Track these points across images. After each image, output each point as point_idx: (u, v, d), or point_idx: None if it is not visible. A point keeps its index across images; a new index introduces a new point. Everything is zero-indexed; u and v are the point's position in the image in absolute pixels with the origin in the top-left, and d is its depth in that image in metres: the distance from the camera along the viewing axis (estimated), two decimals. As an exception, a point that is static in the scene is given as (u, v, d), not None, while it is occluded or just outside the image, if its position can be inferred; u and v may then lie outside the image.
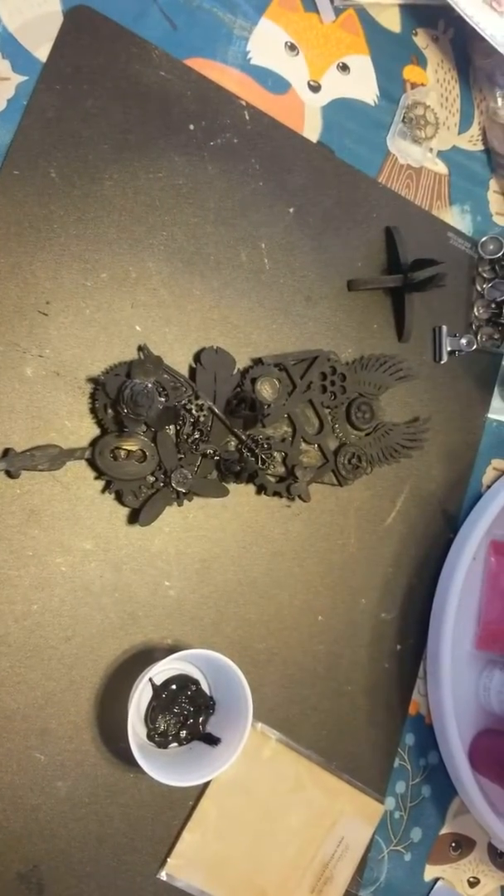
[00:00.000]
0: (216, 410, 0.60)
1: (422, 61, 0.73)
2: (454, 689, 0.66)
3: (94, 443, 0.57)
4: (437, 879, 0.69)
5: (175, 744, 0.58)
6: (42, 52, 0.57)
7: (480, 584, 0.72)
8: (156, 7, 0.61)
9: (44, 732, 0.55)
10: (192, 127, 0.62)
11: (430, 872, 0.69)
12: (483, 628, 0.71)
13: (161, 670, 0.58)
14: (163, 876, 0.58)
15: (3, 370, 0.55)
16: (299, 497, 0.63)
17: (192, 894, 0.58)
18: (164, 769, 0.54)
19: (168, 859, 0.58)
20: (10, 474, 0.54)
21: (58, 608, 0.56)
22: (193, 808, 0.59)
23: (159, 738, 0.58)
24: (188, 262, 0.61)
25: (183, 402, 0.59)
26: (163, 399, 0.58)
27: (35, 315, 0.56)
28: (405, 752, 0.68)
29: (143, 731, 0.58)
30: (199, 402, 0.60)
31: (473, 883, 0.71)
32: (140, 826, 0.57)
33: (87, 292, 0.58)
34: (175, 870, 0.58)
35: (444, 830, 0.70)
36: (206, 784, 0.59)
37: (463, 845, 0.71)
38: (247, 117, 0.64)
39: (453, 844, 0.70)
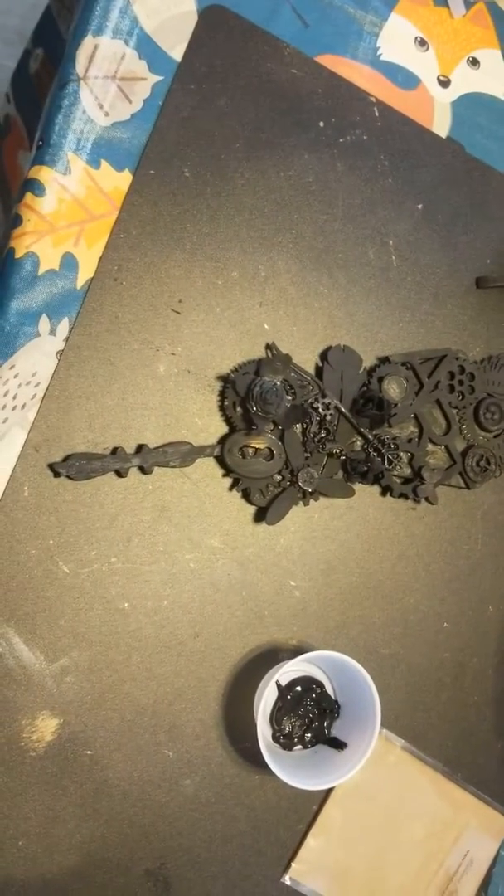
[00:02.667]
0: (343, 409, 0.59)
1: (552, 53, 0.71)
2: None
3: (222, 440, 0.57)
4: None
5: (300, 746, 0.58)
6: (177, 52, 0.58)
7: None
8: (288, 5, 0.61)
9: (172, 729, 0.55)
10: (322, 124, 0.61)
11: None
12: None
13: (286, 670, 0.57)
14: (286, 880, 0.57)
15: (137, 367, 0.55)
16: (426, 499, 0.62)
17: (314, 901, 0.57)
18: (291, 771, 0.53)
19: (292, 864, 0.57)
20: (143, 470, 0.55)
21: (187, 604, 0.56)
22: (318, 812, 0.58)
23: (284, 740, 0.57)
24: (316, 260, 0.61)
25: (310, 400, 0.59)
26: (290, 398, 0.58)
27: (168, 313, 0.56)
28: (532, 767, 0.66)
29: (268, 733, 0.57)
30: (326, 400, 0.59)
31: None
32: (265, 828, 0.57)
33: (217, 291, 0.58)
34: (299, 875, 0.57)
35: None
36: (330, 788, 0.58)
37: None
38: (376, 114, 0.63)
39: None
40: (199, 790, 0.55)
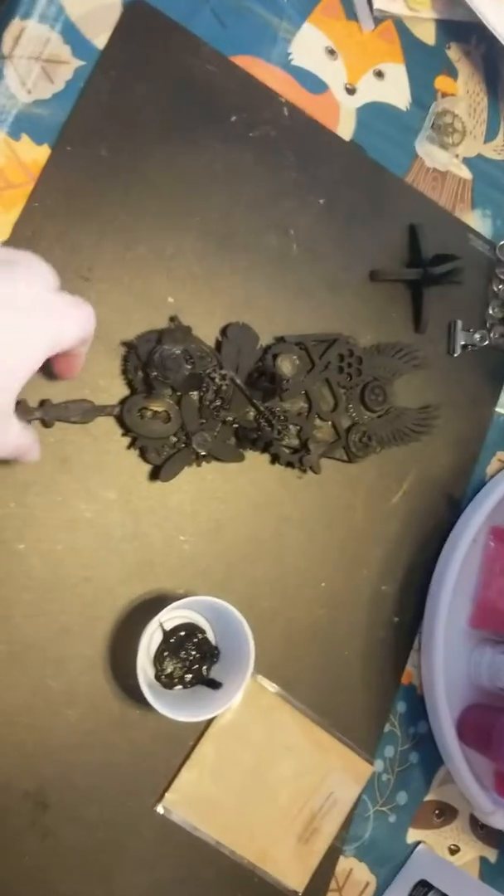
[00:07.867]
0: (238, 381, 0.65)
1: (453, 73, 0.77)
2: (446, 663, 0.69)
3: (123, 401, 0.61)
4: (418, 843, 0.72)
5: (180, 686, 0.62)
6: (100, 41, 0.62)
7: (478, 567, 0.75)
8: (208, 7, 0.66)
9: (59, 663, 0.59)
10: (233, 118, 0.67)
11: (413, 836, 0.72)
12: (478, 607, 0.74)
13: (171, 616, 0.62)
14: (160, 809, 0.62)
15: (45, 327, 0.59)
16: (310, 468, 0.67)
17: (185, 829, 0.62)
18: (169, 706, 0.58)
19: (166, 794, 0.62)
20: (44, 423, 0.59)
21: (80, 550, 0.60)
22: (193, 748, 0.63)
23: (166, 679, 0.62)
24: (220, 244, 0.66)
25: (208, 370, 0.63)
26: (189, 366, 0.62)
27: (77, 280, 0.61)
28: (396, 719, 0.72)
29: (151, 672, 0.62)
30: (223, 372, 0.64)
31: (454, 850, 0.74)
32: (142, 759, 0.61)
33: (126, 263, 0.63)
34: (172, 804, 0.62)
35: (428, 797, 0.73)
36: (207, 727, 0.63)
37: (446, 813, 0.74)
38: (285, 113, 0.68)
39: (437, 812, 0.73)
40: (81, 720, 0.60)
